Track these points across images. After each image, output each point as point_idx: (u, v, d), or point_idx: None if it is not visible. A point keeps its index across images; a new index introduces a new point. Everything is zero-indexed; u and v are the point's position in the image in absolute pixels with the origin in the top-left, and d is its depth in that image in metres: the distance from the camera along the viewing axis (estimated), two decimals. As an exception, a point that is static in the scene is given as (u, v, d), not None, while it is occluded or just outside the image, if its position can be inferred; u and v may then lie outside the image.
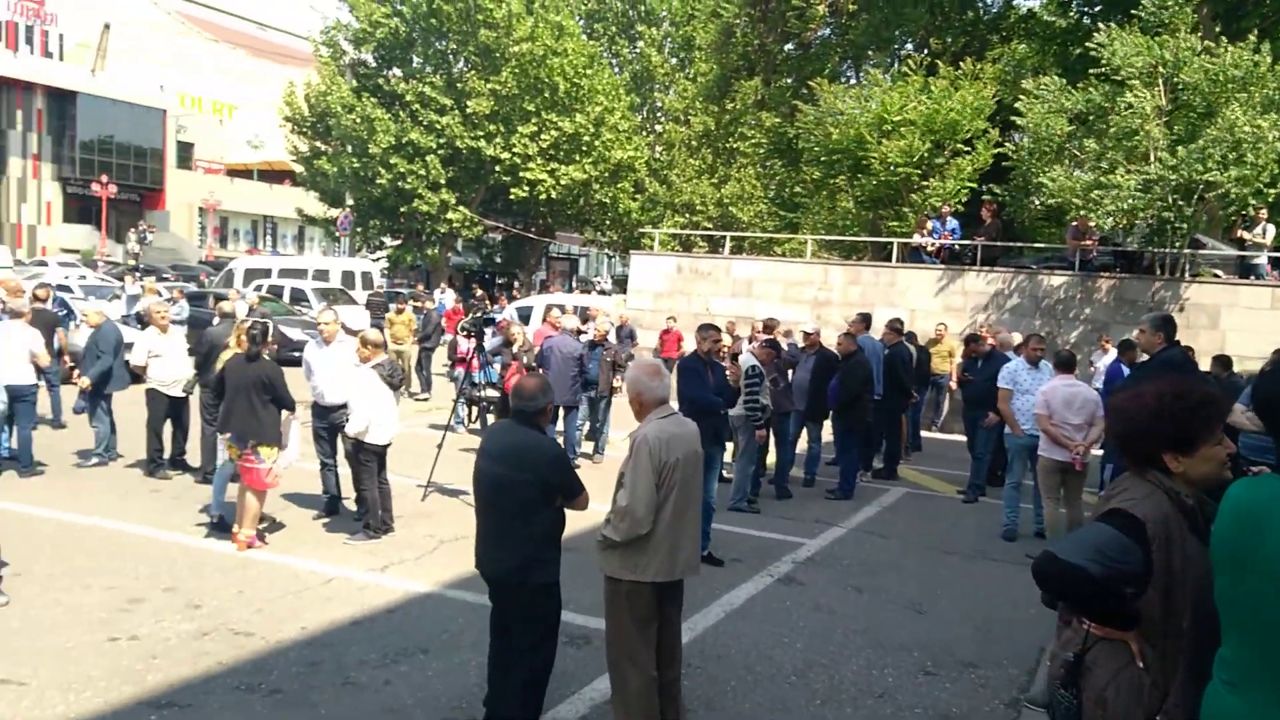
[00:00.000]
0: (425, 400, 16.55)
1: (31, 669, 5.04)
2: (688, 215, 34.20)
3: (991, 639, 6.33)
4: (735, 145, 32.45)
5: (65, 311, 15.71)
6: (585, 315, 14.01)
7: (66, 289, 21.54)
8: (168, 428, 9.88)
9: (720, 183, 32.26)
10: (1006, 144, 19.22)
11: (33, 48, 53.46)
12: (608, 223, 38.31)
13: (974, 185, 19.33)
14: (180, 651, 5.38)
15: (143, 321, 16.50)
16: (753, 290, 18.64)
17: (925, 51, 24.50)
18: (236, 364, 7.52)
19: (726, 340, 9.47)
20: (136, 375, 10.01)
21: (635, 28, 39.06)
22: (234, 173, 64.70)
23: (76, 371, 10.66)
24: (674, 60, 38.53)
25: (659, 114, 40.13)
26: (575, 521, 4.91)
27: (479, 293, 29.28)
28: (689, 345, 17.13)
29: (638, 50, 38.66)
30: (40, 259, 42.26)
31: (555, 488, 4.30)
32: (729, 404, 8.07)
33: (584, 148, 32.18)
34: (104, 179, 51.51)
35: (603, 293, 40.86)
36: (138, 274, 22.87)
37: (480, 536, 4.43)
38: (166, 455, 9.92)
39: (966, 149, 19.72)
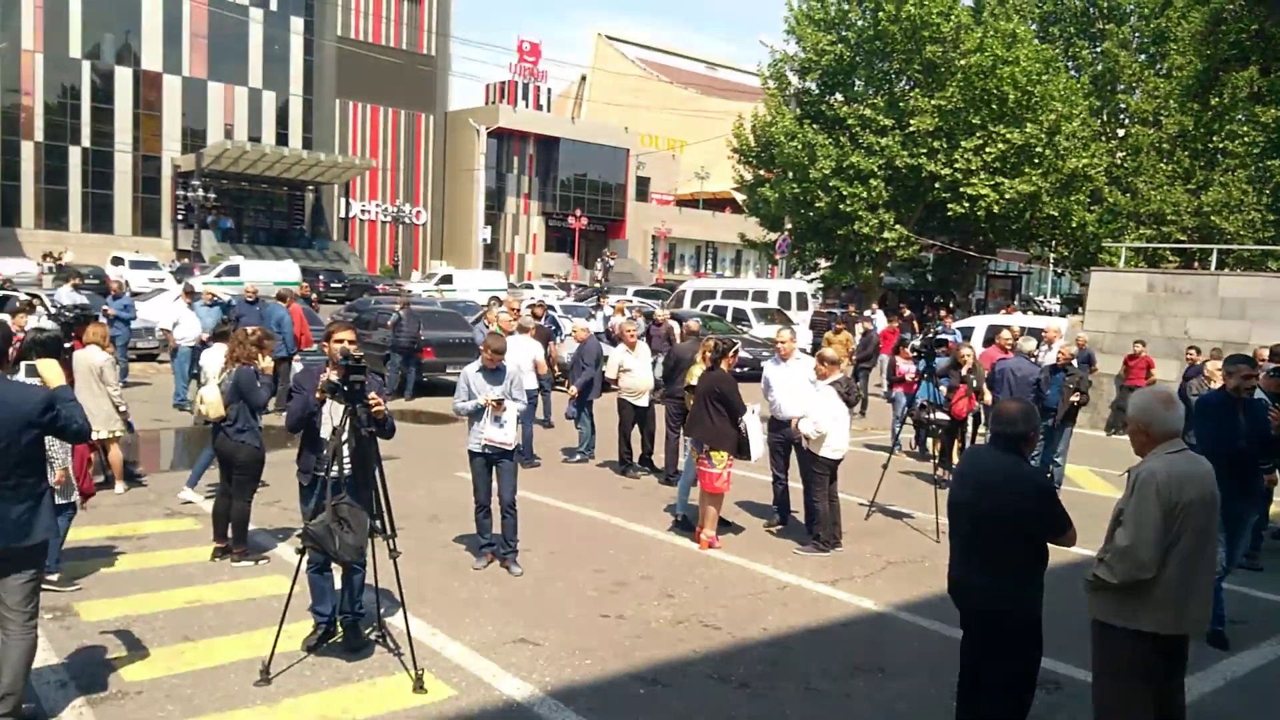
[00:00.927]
0: (861, 419, 16.55)
1: (544, 632, 5.89)
2: (1156, 227, 30.51)
3: None
4: (1220, 145, 28.32)
5: (555, 328, 18.13)
6: (1040, 337, 13.07)
7: (552, 308, 24.90)
8: (635, 433, 11.00)
9: (1199, 189, 28.33)
10: None
11: (527, 102, 62.71)
12: (1057, 237, 35.47)
13: None
14: (660, 635, 5.95)
15: (612, 338, 18.52)
16: (1246, 312, 16.07)
17: None
18: (702, 375, 8.17)
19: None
20: (608, 384, 11.30)
21: (1096, 26, 35.77)
22: (682, 203, 70.45)
23: (566, 380, 12.28)
24: (1142, 57, 34.66)
25: (1122, 116, 36.31)
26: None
27: (906, 313, 28.66)
28: (1162, 372, 15.25)
29: (1099, 50, 35.34)
30: (527, 282, 49.26)
31: (1039, 520, 4.06)
32: (1270, 455, 6.70)
33: (1034, 158, 30.15)
34: (577, 212, 58.92)
35: (1046, 312, 37.85)
36: (605, 295, 25.82)
37: (955, 565, 4.32)
38: (635, 457, 11.05)
39: None
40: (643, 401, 10.85)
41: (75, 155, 50.03)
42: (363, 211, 58.53)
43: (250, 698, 4.75)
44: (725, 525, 8.43)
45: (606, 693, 5.08)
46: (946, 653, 5.32)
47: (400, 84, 57.41)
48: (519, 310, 15.34)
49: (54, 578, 6.13)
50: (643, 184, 68.31)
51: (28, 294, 18.31)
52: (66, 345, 7.20)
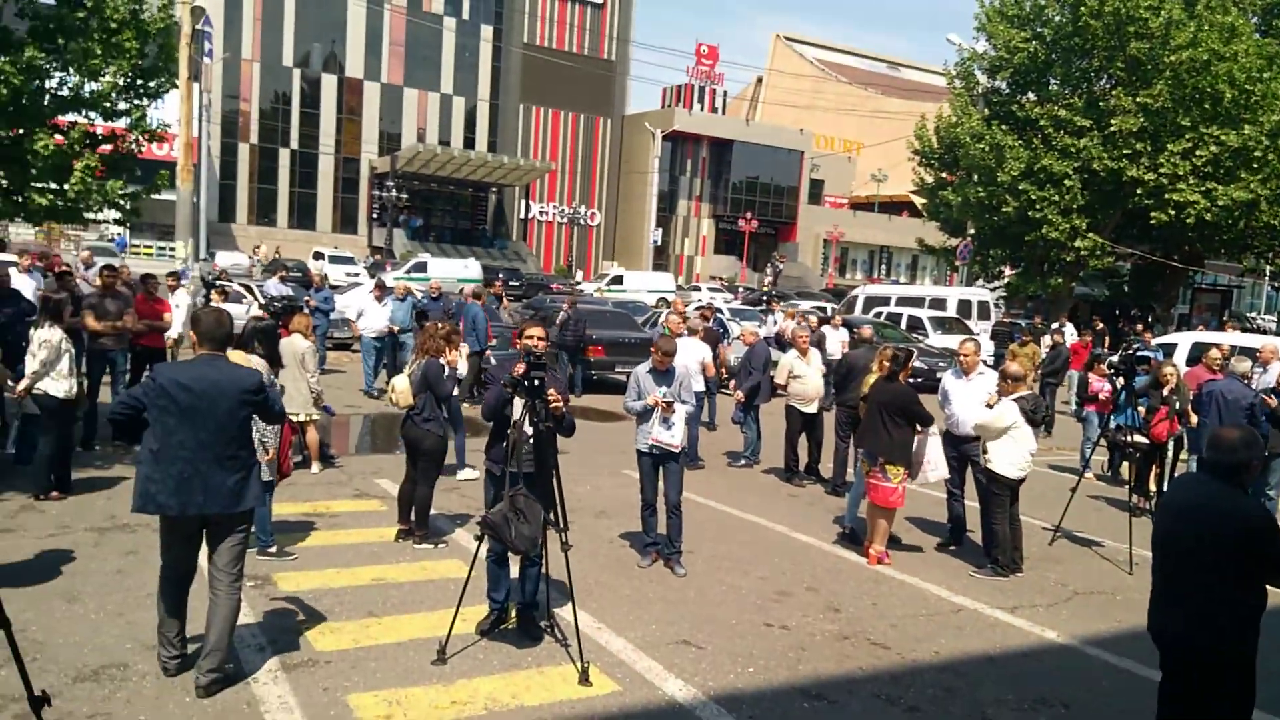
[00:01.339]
0: (1046, 438, 15.64)
1: (707, 635, 5.87)
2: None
3: None
4: None
5: (723, 330, 18.11)
6: (1254, 357, 11.93)
7: (719, 311, 24.90)
8: (802, 441, 10.81)
9: None
10: None
11: (702, 105, 63.01)
12: (1276, 248, 32.34)
13: None
14: (825, 649, 5.81)
15: (781, 343, 18.29)
16: None
17: None
18: (877, 386, 7.92)
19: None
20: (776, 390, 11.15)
21: (1330, 18, 32.37)
22: (856, 205, 68.79)
23: (733, 383, 12.22)
24: (1390, 48, 31.05)
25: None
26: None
27: (1099, 326, 26.81)
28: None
29: (1333, 44, 31.94)
30: (694, 284, 49.47)
31: (1260, 559, 3.68)
32: None
33: (1252, 163, 27.56)
34: (748, 215, 58.58)
35: (1261, 330, 34.59)
36: (776, 300, 25.57)
37: (1158, 602, 3.97)
38: (801, 465, 10.86)
39: None
40: (811, 409, 10.65)
41: (284, 157, 54.21)
42: (540, 213, 60.46)
43: (427, 676, 4.97)
44: (895, 542, 8.15)
45: (770, 703, 5.01)
46: (1140, 694, 4.95)
47: (580, 88, 58.93)
48: (684, 310, 15.46)
49: (271, 550, 6.65)
50: (816, 187, 67.23)
51: (241, 284, 19.96)
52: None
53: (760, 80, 78.94)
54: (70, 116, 17.31)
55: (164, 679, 4.71)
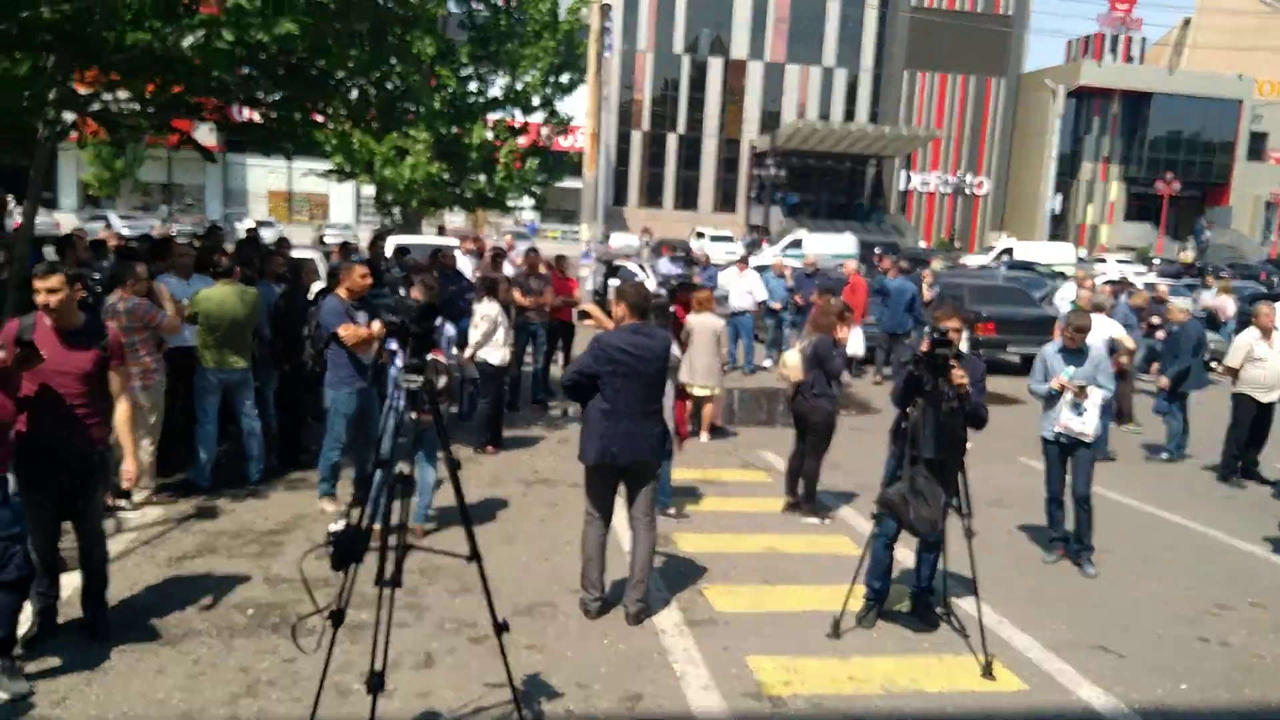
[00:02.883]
0: None
1: (1125, 643, 5.30)
2: None
3: None
4: None
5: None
6: None
7: (1131, 286, 22.23)
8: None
9: None
10: None
11: (1115, 55, 56.53)
12: None
13: None
14: (1278, 675, 5.00)
15: (1214, 321, 16.01)
16: None
17: None
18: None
19: None
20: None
21: None
22: (1312, 160, 57.82)
23: (1155, 367, 10.86)
24: None
25: None
26: None
27: None
28: None
29: None
30: (1098, 256, 44.73)
31: None
32: None
33: None
34: (1168, 176, 51.69)
35: None
36: (1209, 273, 22.31)
37: None
38: (1240, 464, 9.40)
39: None
40: (1272, 397, 9.13)
41: (672, 141, 57.38)
42: (922, 183, 58.20)
43: (822, 648, 5.02)
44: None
45: (1207, 729, 4.42)
46: None
47: (970, 49, 55.66)
48: (1095, 287, 13.99)
49: (671, 511, 7.14)
50: (1257, 141, 57.52)
51: (635, 264, 21.42)
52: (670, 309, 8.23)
53: (1187, 22, 68.97)
54: (495, 114, 19.76)
55: (585, 620, 5.22)
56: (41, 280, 4.45)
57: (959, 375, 4.87)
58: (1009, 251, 39.02)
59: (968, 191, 58.61)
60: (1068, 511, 6.67)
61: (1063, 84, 51.43)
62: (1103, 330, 10.09)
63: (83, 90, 8.99)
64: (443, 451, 3.84)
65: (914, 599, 5.48)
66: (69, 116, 9.02)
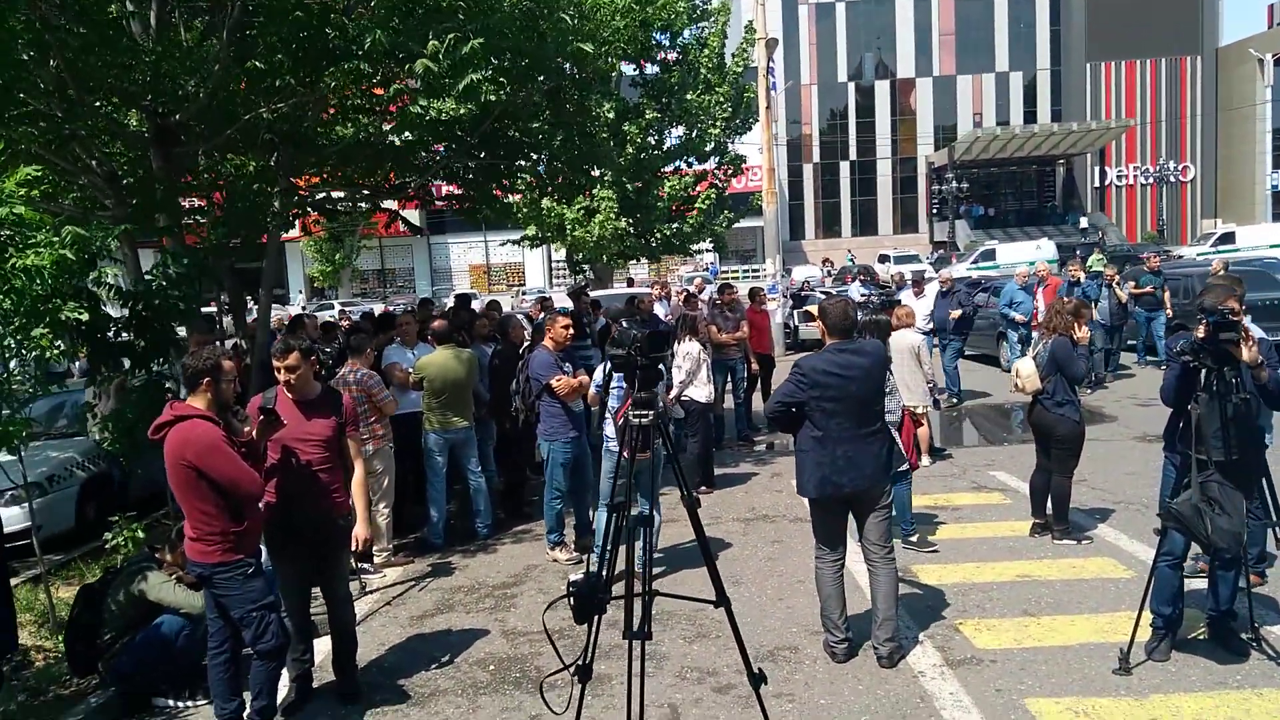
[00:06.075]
0: None
1: None
2: None
3: None
4: None
5: None
6: None
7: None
8: None
9: None
10: None
11: (1331, 11, 50.99)
12: None
13: None
14: None
15: None
16: None
17: None
18: None
19: None
20: None
21: None
22: None
23: None
24: None
25: None
26: None
27: None
28: None
29: None
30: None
31: None
32: None
33: None
34: None
35: None
36: None
37: None
38: None
39: None
40: None
41: (844, 169, 56.35)
42: (1119, 177, 54.29)
43: (1111, 686, 4.43)
44: None
45: None
46: None
47: (1157, 29, 51.73)
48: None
49: (914, 538, 6.69)
50: None
51: (822, 293, 20.93)
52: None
53: None
54: (672, 165, 19.98)
55: (833, 664, 4.87)
56: (280, 359, 4.66)
57: (1252, 349, 4.22)
58: (1228, 238, 35.50)
59: (1172, 179, 54.12)
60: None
61: (1270, 52, 46.76)
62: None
63: (302, 185, 9.75)
64: (683, 490, 3.66)
65: (1212, 625, 4.79)
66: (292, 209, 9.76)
